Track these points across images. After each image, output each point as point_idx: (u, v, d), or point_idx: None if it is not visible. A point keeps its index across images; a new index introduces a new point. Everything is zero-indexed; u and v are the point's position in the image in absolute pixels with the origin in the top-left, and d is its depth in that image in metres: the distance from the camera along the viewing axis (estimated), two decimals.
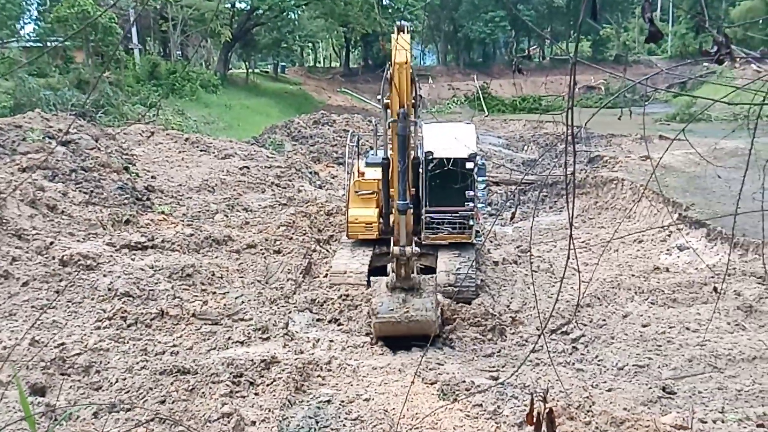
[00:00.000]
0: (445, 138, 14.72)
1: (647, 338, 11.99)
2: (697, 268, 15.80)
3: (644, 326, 12.55)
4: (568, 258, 3.49)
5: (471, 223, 14.88)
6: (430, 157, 14.57)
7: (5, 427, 5.82)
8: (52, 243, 13.80)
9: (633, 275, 15.75)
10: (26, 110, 24.61)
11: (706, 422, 8.71)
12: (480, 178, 14.72)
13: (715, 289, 13.21)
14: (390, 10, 71.97)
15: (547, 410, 3.42)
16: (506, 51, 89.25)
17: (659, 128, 37.07)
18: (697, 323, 12.36)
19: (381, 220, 15.26)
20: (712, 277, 14.55)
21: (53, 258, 13.23)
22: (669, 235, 18.42)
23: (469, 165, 14.55)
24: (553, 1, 79.33)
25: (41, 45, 44.11)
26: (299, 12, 62.79)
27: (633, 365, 10.96)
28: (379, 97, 13.65)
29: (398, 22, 12.34)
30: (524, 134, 42.71)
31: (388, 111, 14.01)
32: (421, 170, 14.58)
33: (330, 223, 18.63)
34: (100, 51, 38.54)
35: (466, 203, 14.79)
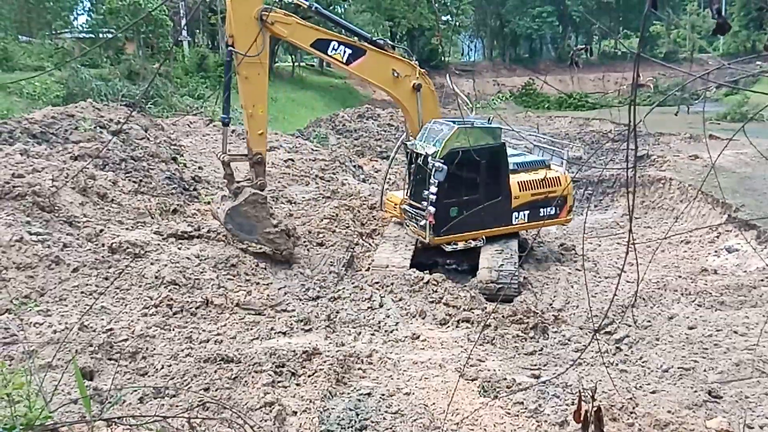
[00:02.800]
0: (425, 134, 14.95)
1: (693, 341, 11.78)
2: (746, 271, 15.48)
3: (690, 328, 12.33)
4: (627, 254, 3.45)
5: (422, 223, 14.87)
6: (406, 150, 14.92)
7: (59, 408, 5.97)
8: (101, 230, 14.09)
9: (680, 276, 15.50)
10: (78, 100, 25.17)
11: (752, 428, 8.55)
12: (433, 180, 14.51)
13: None
14: (437, 5, 71.74)
15: (595, 409, 3.39)
16: (553, 47, 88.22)
17: (709, 127, 36.31)
18: (745, 327, 12.10)
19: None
20: (762, 280, 14.24)
21: (103, 245, 13.51)
22: (717, 237, 18.08)
23: (431, 162, 14.44)
24: None
25: (93, 36, 44.99)
26: (346, 6, 62.96)
27: (678, 368, 10.78)
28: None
29: None
30: (570, 131, 42.21)
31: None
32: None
33: (373, 216, 18.67)
34: (151, 43, 39.19)
35: (422, 201, 14.86)
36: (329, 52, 14.06)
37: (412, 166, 15.12)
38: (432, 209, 14.57)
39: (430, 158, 14.43)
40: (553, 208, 16.61)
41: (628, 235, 3.26)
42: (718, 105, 49.46)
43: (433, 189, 14.50)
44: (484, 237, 15.67)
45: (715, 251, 17.42)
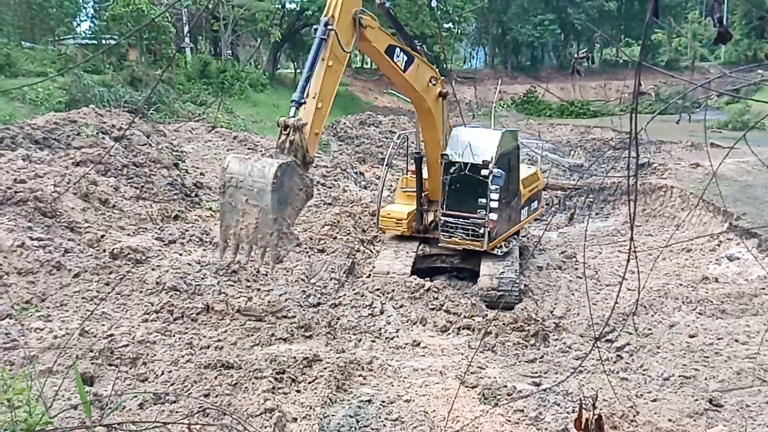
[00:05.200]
0: (467, 142, 14.70)
1: (694, 349, 11.76)
2: (747, 279, 15.46)
3: (691, 337, 12.32)
4: (627, 263, 3.46)
5: (481, 231, 14.77)
6: (446, 160, 14.60)
7: (59, 413, 5.98)
8: (103, 236, 14.12)
9: (681, 284, 15.48)
10: (81, 106, 25.23)
11: None
12: (493, 187, 14.53)
13: None
14: (439, 12, 71.85)
15: (595, 417, 3.39)
16: (555, 55, 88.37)
17: (710, 136, 36.32)
18: (746, 335, 12.08)
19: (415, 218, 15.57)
20: (763, 288, 14.22)
21: (104, 251, 13.53)
22: (719, 245, 18.06)
23: (484, 172, 14.43)
24: (603, 5, 78.24)
25: (96, 42, 45.09)
26: None
27: (679, 376, 10.76)
28: None
29: None
30: (571, 139, 42.27)
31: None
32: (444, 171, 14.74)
33: (374, 223, 18.70)
34: (153, 49, 39.29)
35: (478, 210, 14.72)
36: (394, 59, 13.59)
37: (446, 177, 14.84)
38: (494, 216, 14.66)
39: (481, 166, 14.45)
40: (536, 202, 17.74)
41: (629, 243, 3.27)
42: (719, 113, 49.48)
43: (495, 195, 14.60)
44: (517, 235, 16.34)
45: (717, 259, 17.41)
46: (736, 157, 23.60)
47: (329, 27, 11.37)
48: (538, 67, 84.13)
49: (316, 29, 11.66)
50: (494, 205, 14.62)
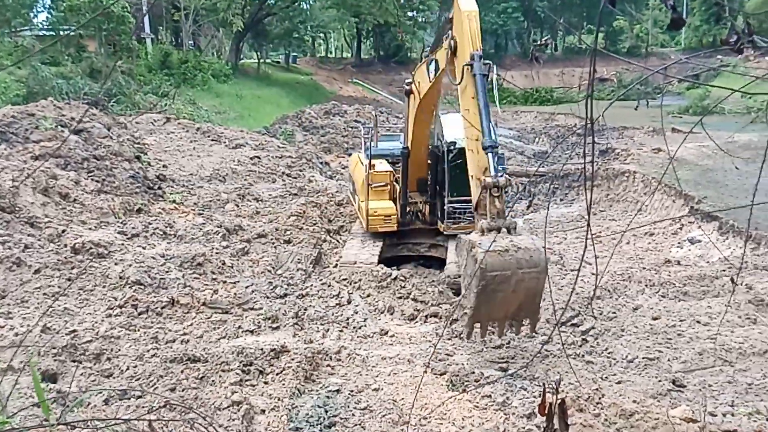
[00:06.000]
0: (461, 127, 14.57)
1: (657, 331, 11.94)
2: (708, 261, 15.73)
3: (654, 319, 12.50)
4: (585, 249, 3.48)
5: None
6: (454, 147, 14.37)
7: (19, 412, 5.86)
8: (64, 231, 13.87)
9: (644, 268, 15.68)
10: (39, 99, 24.72)
11: (716, 415, 8.68)
12: (500, 167, 14.57)
13: (732, 280, 13.12)
14: (402, 1, 71.75)
15: (559, 401, 3.42)
16: (518, 43, 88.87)
17: (672, 121, 36.91)
18: (707, 316, 12.30)
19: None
20: (724, 270, 14.48)
21: (65, 246, 13.30)
22: (680, 228, 18.34)
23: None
24: None
25: (54, 34, 44.25)
26: (311, 2, 62.77)
27: (643, 358, 10.92)
28: (409, 83, 13.53)
29: None
30: (536, 126, 42.59)
31: (411, 97, 13.99)
32: (442, 159, 14.55)
33: (340, 213, 18.65)
34: (113, 40, 38.67)
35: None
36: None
37: (449, 164, 14.51)
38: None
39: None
40: None
41: (587, 229, 3.28)
42: (680, 98, 50.28)
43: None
44: None
45: (678, 243, 17.67)
46: (697, 142, 23.95)
47: (486, 62, 10.76)
48: (501, 55, 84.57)
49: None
50: None
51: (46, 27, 48.80)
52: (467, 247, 9.66)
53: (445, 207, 14.82)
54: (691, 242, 17.22)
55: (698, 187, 20.51)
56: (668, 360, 10.83)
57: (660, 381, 10.05)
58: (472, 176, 10.40)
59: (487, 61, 10.57)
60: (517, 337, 12.05)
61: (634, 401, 8.78)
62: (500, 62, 78.16)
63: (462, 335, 10.19)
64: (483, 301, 9.27)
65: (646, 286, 14.27)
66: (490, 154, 10.10)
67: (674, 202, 20.18)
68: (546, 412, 3.47)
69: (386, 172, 16.09)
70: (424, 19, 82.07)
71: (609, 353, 11.19)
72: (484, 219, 9.81)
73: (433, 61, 12.80)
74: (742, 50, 3.22)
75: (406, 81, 14.87)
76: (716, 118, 34.41)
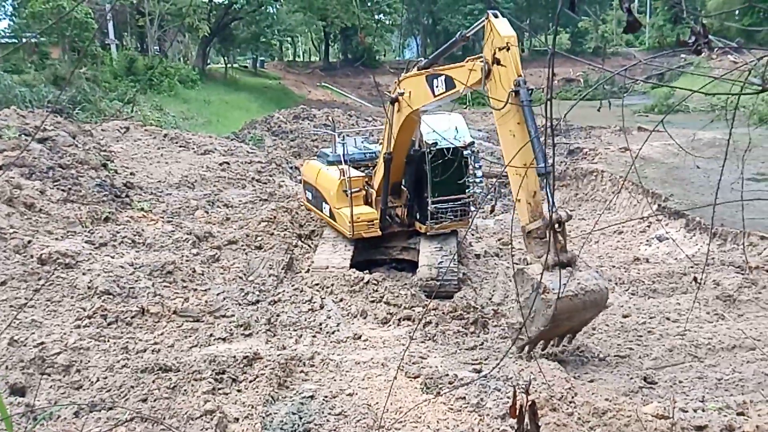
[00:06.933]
0: (440, 128, 14.67)
1: (628, 329, 12.08)
2: (676, 259, 15.94)
3: (625, 317, 12.64)
4: (548, 252, 3.49)
5: (472, 209, 15.05)
6: (434, 148, 14.54)
7: None
8: (30, 241, 13.63)
9: (613, 266, 15.86)
10: (2, 107, 24.34)
11: (686, 411, 8.78)
12: (477, 164, 14.85)
13: (695, 279, 13.32)
14: (369, 4, 71.81)
15: (529, 403, 3.43)
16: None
17: (638, 120, 37.38)
18: (677, 313, 12.47)
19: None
20: (692, 267, 14.68)
21: (31, 257, 13.07)
22: (648, 226, 18.57)
23: (467, 153, 14.63)
24: None
25: (16, 41, 43.60)
26: (278, 6, 62.50)
27: (614, 356, 11.04)
28: (391, 90, 13.55)
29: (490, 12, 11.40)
30: None
31: (397, 105, 13.94)
32: (423, 160, 14.68)
33: (311, 218, 18.57)
34: (76, 47, 38.21)
35: (466, 190, 14.89)
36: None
37: (430, 165, 14.67)
38: (478, 190, 15.05)
39: (462, 148, 14.57)
40: None
41: (549, 231, 3.30)
42: (646, 97, 50.90)
43: (479, 172, 14.90)
44: None
45: (647, 240, 17.90)
46: (663, 140, 24.30)
47: (530, 88, 10.49)
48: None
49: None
50: (480, 180, 14.90)
51: (8, 35, 48.06)
52: (535, 287, 9.89)
53: (429, 208, 14.88)
54: (659, 240, 17.45)
55: (665, 185, 20.80)
56: (639, 357, 10.96)
57: (631, 378, 10.17)
58: (519, 199, 10.30)
59: (531, 87, 10.50)
60: (490, 339, 12.12)
61: (607, 399, 8.86)
62: None
63: (512, 350, 10.68)
64: (544, 334, 10.23)
65: (616, 284, 14.43)
66: (544, 182, 10.05)
67: (640, 201, 20.43)
68: (517, 414, 3.48)
69: (360, 177, 16.06)
70: (391, 22, 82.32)
71: (581, 352, 11.29)
72: (539, 247, 9.96)
73: (443, 77, 12.72)
74: (700, 51, 3.27)
75: (390, 89, 14.85)
76: (681, 117, 34.89)
